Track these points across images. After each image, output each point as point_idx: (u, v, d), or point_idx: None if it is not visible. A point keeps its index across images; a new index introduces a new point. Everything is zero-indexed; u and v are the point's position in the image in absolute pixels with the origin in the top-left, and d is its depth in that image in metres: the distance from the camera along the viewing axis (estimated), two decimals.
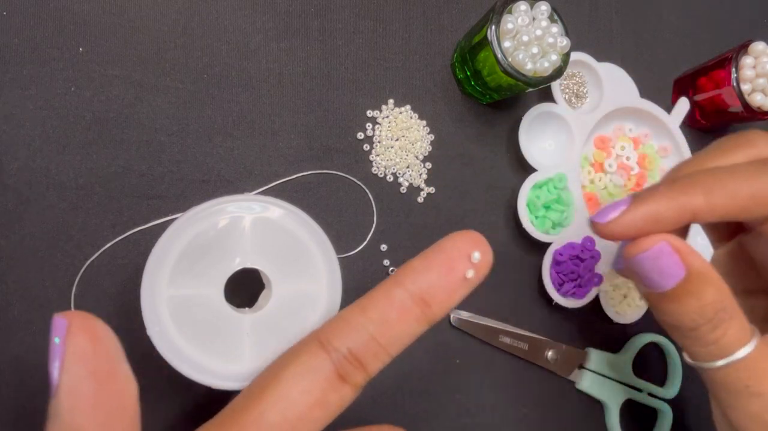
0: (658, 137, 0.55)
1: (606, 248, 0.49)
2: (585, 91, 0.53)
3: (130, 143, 0.41)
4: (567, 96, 0.52)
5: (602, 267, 0.49)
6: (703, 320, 0.30)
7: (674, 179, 0.31)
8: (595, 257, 0.49)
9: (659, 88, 0.56)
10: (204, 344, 0.33)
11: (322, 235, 0.35)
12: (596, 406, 0.51)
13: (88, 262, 0.39)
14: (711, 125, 0.56)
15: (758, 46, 0.50)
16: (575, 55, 0.50)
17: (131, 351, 0.39)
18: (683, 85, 0.55)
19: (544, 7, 0.43)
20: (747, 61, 0.50)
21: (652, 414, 0.52)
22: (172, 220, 0.37)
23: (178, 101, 0.42)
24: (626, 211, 0.30)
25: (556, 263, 0.48)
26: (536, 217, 0.48)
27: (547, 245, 0.48)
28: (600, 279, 0.49)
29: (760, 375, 0.30)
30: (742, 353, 0.30)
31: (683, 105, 0.54)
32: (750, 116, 0.51)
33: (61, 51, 0.40)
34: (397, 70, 0.47)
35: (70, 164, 0.40)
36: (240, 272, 0.35)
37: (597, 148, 0.53)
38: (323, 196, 0.44)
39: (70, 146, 0.40)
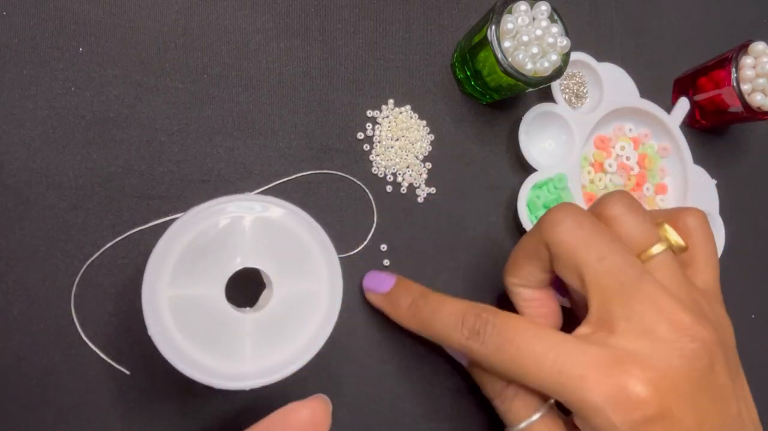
0: (658, 137, 0.54)
1: None
2: (585, 91, 0.52)
3: (130, 143, 0.41)
4: (567, 96, 0.51)
5: None
6: (493, 395, 0.38)
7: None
8: None
9: (659, 88, 0.56)
10: (205, 344, 0.33)
11: (323, 235, 0.35)
12: None
13: (88, 262, 0.39)
14: (711, 125, 0.56)
15: (758, 46, 0.50)
16: (575, 55, 0.50)
17: (131, 351, 0.39)
18: (683, 85, 0.55)
19: (544, 7, 0.43)
20: (747, 61, 0.50)
21: None
22: (172, 220, 0.37)
23: (178, 101, 0.42)
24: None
25: None
26: (536, 217, 0.48)
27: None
28: None
29: None
30: (524, 424, 0.37)
31: (683, 105, 0.54)
32: (750, 116, 0.51)
33: (61, 51, 0.40)
34: (397, 70, 0.47)
35: (70, 164, 0.40)
36: (241, 272, 0.35)
37: (597, 148, 0.52)
38: (323, 196, 0.44)
39: (70, 146, 0.40)
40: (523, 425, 0.37)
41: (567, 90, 0.52)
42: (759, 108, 0.50)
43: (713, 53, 0.54)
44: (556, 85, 0.50)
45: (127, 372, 0.39)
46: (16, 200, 0.38)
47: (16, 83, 0.39)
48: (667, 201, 0.55)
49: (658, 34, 0.57)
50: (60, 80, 0.40)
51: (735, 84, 0.50)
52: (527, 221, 0.47)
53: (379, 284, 0.42)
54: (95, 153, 0.40)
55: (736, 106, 0.51)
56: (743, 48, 0.50)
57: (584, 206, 0.49)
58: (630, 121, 0.54)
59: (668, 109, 0.54)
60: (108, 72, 0.41)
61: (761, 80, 0.49)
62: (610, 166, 0.52)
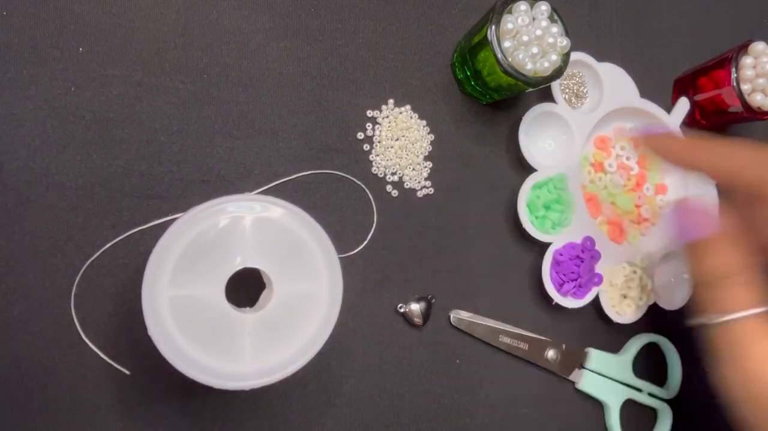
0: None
1: (607, 249, 0.49)
2: (585, 91, 0.52)
3: (130, 143, 0.41)
4: (567, 96, 0.51)
5: (602, 267, 0.49)
6: (712, 279, 0.37)
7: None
8: (595, 256, 0.48)
9: (659, 88, 0.56)
10: (205, 344, 0.33)
11: (323, 235, 0.36)
12: (596, 406, 0.51)
13: (89, 262, 0.39)
14: (711, 124, 0.56)
15: (758, 46, 0.50)
16: (575, 55, 0.50)
17: (131, 351, 0.39)
18: (683, 85, 0.55)
19: (544, 7, 0.43)
20: (747, 61, 0.50)
21: (652, 414, 0.52)
22: (172, 220, 0.37)
23: (178, 101, 0.42)
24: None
25: (556, 263, 0.48)
26: (536, 217, 0.48)
27: (547, 245, 0.48)
28: (600, 279, 0.49)
29: (747, 338, 0.36)
30: (742, 314, 0.35)
31: (683, 105, 0.54)
32: (750, 116, 0.51)
33: (61, 51, 0.40)
34: (397, 70, 0.47)
35: (70, 164, 0.40)
36: (241, 272, 0.35)
37: (597, 148, 0.52)
38: (323, 196, 0.44)
39: (70, 146, 0.40)
40: (740, 314, 0.36)
41: (567, 90, 0.52)
42: (759, 108, 0.50)
43: (713, 53, 0.54)
44: (556, 85, 0.50)
45: (127, 372, 0.39)
46: (16, 200, 0.38)
47: (16, 83, 0.39)
48: (668, 201, 0.54)
49: (658, 34, 0.57)
50: (60, 80, 0.40)
51: (735, 84, 0.49)
52: (527, 221, 0.47)
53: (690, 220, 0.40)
54: (95, 153, 0.40)
55: (736, 107, 0.51)
56: (743, 48, 0.50)
57: (584, 206, 0.50)
58: (630, 121, 0.54)
59: (668, 109, 0.54)
60: (108, 72, 0.41)
61: (761, 80, 0.49)
62: (610, 166, 0.52)
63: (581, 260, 0.48)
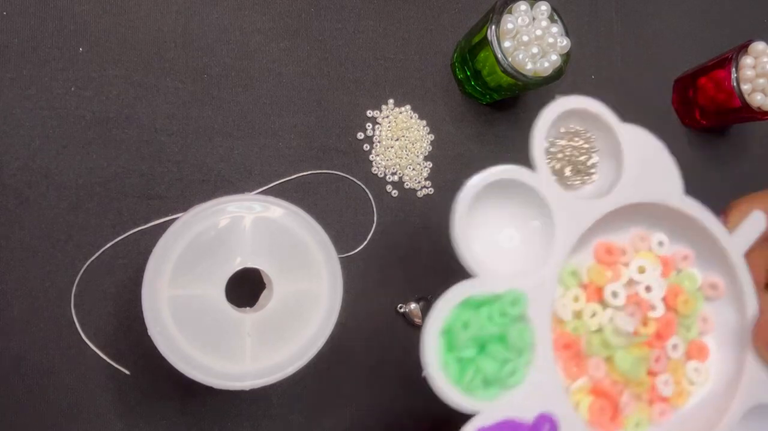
0: (706, 264, 0.35)
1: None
2: (592, 164, 0.34)
3: (130, 143, 0.41)
4: (558, 166, 0.33)
5: None
6: None
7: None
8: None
9: (659, 89, 0.56)
10: (205, 344, 0.33)
11: (323, 235, 0.36)
12: None
13: (88, 262, 0.39)
14: (711, 125, 0.56)
15: (758, 46, 0.50)
16: (583, 102, 0.32)
17: (131, 351, 0.39)
18: (683, 85, 0.55)
19: (544, 7, 0.43)
20: (747, 61, 0.50)
21: None
22: (172, 220, 0.37)
23: (178, 101, 0.42)
24: (729, 220, 0.33)
25: None
26: (457, 360, 0.29)
27: (464, 417, 0.29)
28: None
29: None
30: None
31: (757, 222, 0.34)
32: (750, 116, 0.51)
33: (61, 51, 0.40)
34: (397, 70, 0.47)
35: (70, 164, 0.40)
36: (241, 272, 0.35)
37: (598, 261, 0.34)
38: (323, 196, 0.44)
39: (70, 146, 0.40)
40: None
41: (561, 158, 0.33)
42: (759, 108, 0.50)
43: (713, 53, 0.54)
44: (538, 142, 0.31)
45: (127, 372, 0.39)
46: (16, 200, 0.38)
47: (16, 83, 0.39)
48: (703, 374, 0.34)
49: (658, 34, 0.57)
50: (60, 80, 0.40)
51: (735, 84, 0.50)
52: (435, 366, 0.29)
53: None
54: (95, 153, 0.40)
55: (736, 107, 0.51)
56: (743, 48, 0.50)
57: (552, 356, 0.30)
58: (661, 228, 0.35)
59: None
60: (108, 72, 0.41)
61: (761, 80, 0.49)
62: (614, 295, 0.33)
63: None
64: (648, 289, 0.33)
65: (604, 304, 0.33)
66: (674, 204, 0.33)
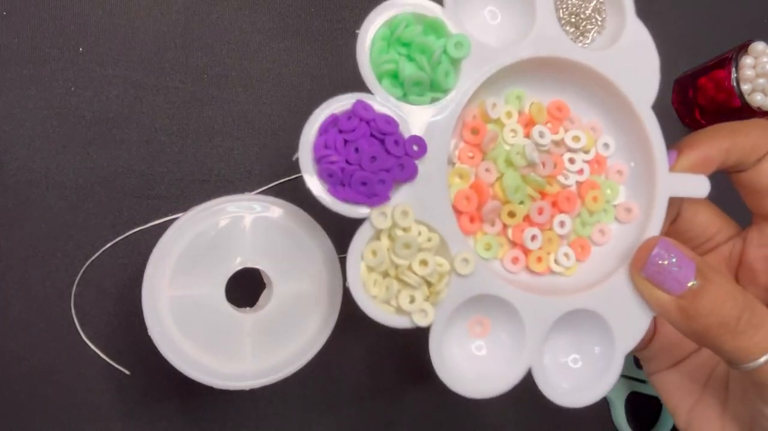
0: (633, 188, 0.34)
1: (427, 185, 0.29)
2: (590, 30, 0.34)
3: (130, 143, 0.41)
4: (564, 13, 0.34)
5: (402, 198, 0.29)
6: (727, 325, 0.28)
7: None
8: (408, 170, 0.29)
9: (659, 89, 0.56)
10: (205, 344, 0.33)
11: (323, 235, 0.35)
12: (601, 403, 0.51)
13: (88, 262, 0.39)
14: (711, 125, 0.56)
15: (758, 46, 0.50)
16: None
17: (132, 351, 0.39)
18: (683, 85, 0.55)
19: None
20: (747, 61, 0.50)
21: (657, 404, 0.52)
22: (172, 220, 0.37)
23: (178, 101, 0.42)
24: (677, 161, 0.32)
25: (347, 116, 0.29)
26: (386, 46, 0.30)
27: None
28: (382, 199, 0.29)
29: None
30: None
31: (699, 185, 0.32)
32: (750, 116, 0.51)
33: (61, 51, 0.40)
34: None
35: (70, 164, 0.40)
36: (241, 272, 0.35)
37: (548, 111, 0.33)
38: None
39: (70, 146, 0.40)
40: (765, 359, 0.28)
41: (568, 5, 0.34)
42: (759, 108, 0.50)
43: (713, 53, 0.54)
44: None
45: (127, 372, 0.39)
46: (16, 200, 0.38)
47: (16, 83, 0.39)
48: (570, 263, 0.33)
49: (658, 34, 0.57)
50: (60, 80, 0.40)
51: (735, 84, 0.50)
52: (364, 49, 0.30)
53: (675, 273, 0.29)
54: (95, 153, 0.40)
55: (736, 107, 0.51)
56: (743, 48, 0.50)
57: (455, 116, 0.30)
58: (615, 133, 0.34)
59: (670, 137, 0.34)
60: (108, 72, 0.41)
61: (761, 80, 0.49)
62: (541, 135, 0.32)
63: (383, 150, 0.28)
64: (571, 161, 0.33)
65: (528, 136, 0.33)
66: (638, 108, 0.32)
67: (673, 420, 0.48)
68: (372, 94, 0.29)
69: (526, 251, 0.33)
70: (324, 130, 0.28)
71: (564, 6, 0.34)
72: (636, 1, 0.56)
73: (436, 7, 0.30)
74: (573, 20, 0.34)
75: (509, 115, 0.32)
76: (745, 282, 0.34)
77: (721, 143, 0.32)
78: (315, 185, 0.29)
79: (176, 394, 0.40)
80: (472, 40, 0.30)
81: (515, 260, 0.32)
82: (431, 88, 0.30)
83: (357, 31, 0.29)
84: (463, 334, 0.31)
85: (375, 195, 0.28)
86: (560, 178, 0.33)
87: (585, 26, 0.34)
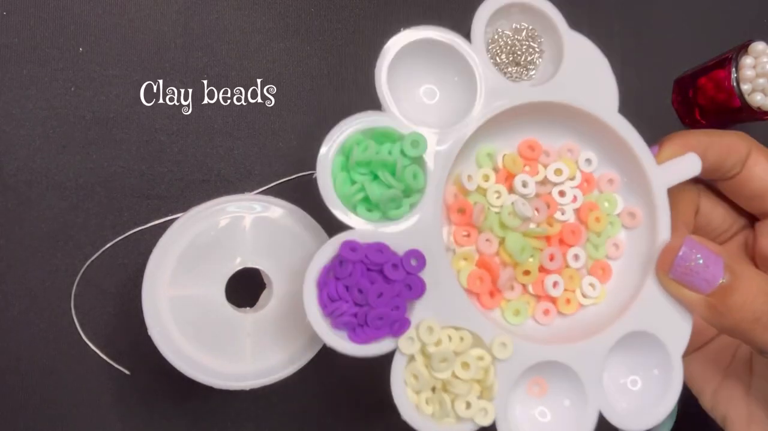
0: (630, 192, 0.33)
1: (449, 302, 0.29)
2: (532, 60, 0.33)
3: (130, 143, 0.41)
4: (499, 54, 0.33)
5: (421, 312, 0.29)
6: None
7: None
8: (416, 288, 0.28)
9: (659, 89, 0.56)
10: (205, 344, 0.33)
11: (323, 235, 0.35)
12: None
13: (89, 262, 0.39)
14: (711, 125, 0.56)
15: (758, 46, 0.50)
16: (540, 2, 0.32)
17: (131, 351, 0.39)
18: (683, 85, 0.55)
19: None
20: (747, 61, 0.50)
21: None
22: (172, 220, 0.37)
23: (178, 101, 0.42)
24: (660, 152, 0.32)
25: (339, 262, 0.28)
26: (348, 179, 0.30)
27: (341, 228, 0.29)
28: (404, 326, 0.28)
29: None
30: None
31: (691, 164, 0.32)
32: (750, 116, 0.51)
33: (61, 51, 0.40)
34: None
35: (70, 164, 0.40)
36: (241, 272, 0.35)
37: (520, 153, 0.33)
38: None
39: (70, 146, 0.40)
40: None
41: (502, 46, 0.33)
42: (759, 108, 0.50)
43: (713, 53, 0.54)
44: (479, 23, 0.31)
45: (127, 372, 0.39)
46: (16, 200, 0.38)
47: (16, 83, 0.39)
48: (598, 291, 0.33)
49: (658, 34, 0.57)
50: (60, 80, 0.40)
51: (735, 84, 0.49)
52: (326, 179, 0.29)
53: (703, 272, 0.29)
54: (95, 153, 0.40)
55: (736, 107, 0.51)
56: (743, 48, 0.50)
57: (440, 209, 0.30)
58: (592, 146, 0.33)
59: (651, 139, 0.33)
60: (108, 72, 0.41)
61: (761, 80, 0.49)
62: (524, 185, 0.32)
63: (385, 279, 0.28)
64: (561, 194, 0.33)
65: (512, 190, 0.32)
66: (605, 119, 0.31)
67: (671, 420, 0.48)
68: (353, 228, 0.29)
69: (553, 300, 0.32)
70: (323, 284, 0.28)
71: (499, 50, 0.33)
72: (636, 2, 0.56)
73: (376, 115, 0.30)
74: (512, 59, 0.33)
75: (486, 178, 0.32)
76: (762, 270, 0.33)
77: (698, 137, 0.32)
78: (335, 340, 0.28)
79: (176, 394, 0.40)
80: (427, 132, 0.30)
81: (546, 312, 0.32)
82: (405, 196, 0.29)
83: (313, 176, 0.29)
84: (523, 399, 0.31)
85: (395, 322, 0.28)
86: (557, 215, 0.33)
87: (525, 59, 0.33)
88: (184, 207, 0.41)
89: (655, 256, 0.31)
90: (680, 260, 0.29)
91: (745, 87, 0.50)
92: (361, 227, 0.29)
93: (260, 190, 0.43)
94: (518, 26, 0.33)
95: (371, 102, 0.46)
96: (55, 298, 0.39)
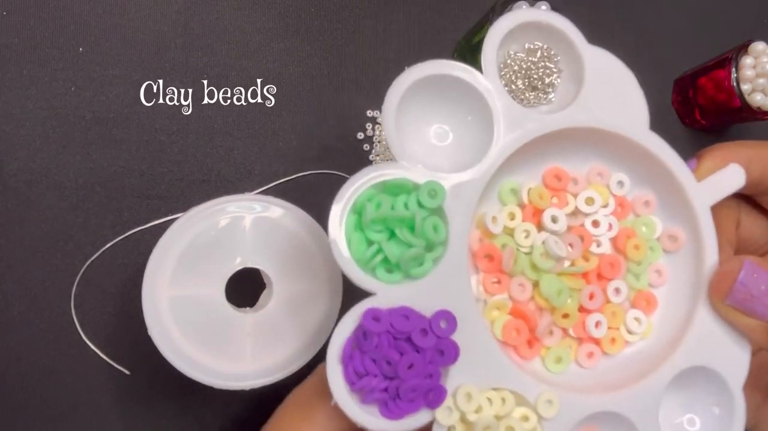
0: (669, 213, 0.31)
1: (485, 360, 0.27)
2: (552, 82, 0.31)
3: (130, 143, 0.41)
4: (514, 80, 0.31)
5: (457, 377, 0.27)
6: None
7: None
8: (449, 353, 0.26)
9: (659, 89, 0.56)
10: (205, 344, 0.33)
11: (323, 235, 0.36)
12: None
13: (89, 262, 0.39)
14: (711, 125, 0.56)
15: (758, 46, 0.50)
16: (546, 16, 0.30)
17: (131, 351, 0.39)
18: (683, 85, 0.55)
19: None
20: (747, 61, 0.50)
21: None
22: (173, 220, 0.37)
23: (178, 101, 0.42)
24: (699, 167, 0.29)
25: (362, 333, 0.26)
26: (362, 235, 0.27)
27: (361, 295, 0.27)
28: (440, 396, 0.26)
29: None
30: None
31: (734, 176, 0.30)
32: (750, 116, 0.51)
33: (61, 51, 0.40)
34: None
35: (70, 164, 0.40)
36: (241, 272, 0.35)
37: (547, 185, 0.30)
38: (323, 196, 0.44)
39: (70, 146, 0.40)
40: None
41: (515, 70, 0.31)
42: (759, 108, 0.50)
43: (713, 53, 0.54)
44: (491, 51, 0.29)
45: (127, 372, 0.39)
46: (16, 200, 0.38)
47: (16, 83, 0.39)
48: (644, 325, 0.31)
49: (658, 34, 0.57)
50: (60, 80, 0.40)
51: (735, 84, 0.49)
52: (339, 237, 0.27)
53: (764, 298, 0.26)
54: (95, 153, 0.40)
55: (736, 107, 0.51)
56: (743, 48, 0.50)
57: (467, 260, 0.27)
58: (624, 169, 0.31)
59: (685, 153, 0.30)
60: (108, 72, 0.41)
61: (761, 80, 0.49)
62: (554, 221, 0.29)
63: (414, 348, 0.26)
64: (595, 224, 0.30)
65: (541, 228, 0.29)
66: (636, 138, 0.29)
67: None
68: (374, 293, 0.26)
69: (597, 341, 0.30)
70: (347, 359, 0.25)
71: (513, 76, 0.31)
72: (636, 2, 0.56)
73: (388, 167, 0.27)
74: (528, 83, 0.31)
75: (512, 217, 0.29)
76: None
77: (741, 150, 0.30)
78: (366, 419, 0.25)
79: (176, 394, 0.40)
80: (444, 178, 0.27)
81: (591, 355, 0.30)
82: (427, 251, 0.27)
83: (329, 240, 0.27)
84: None
85: (429, 392, 0.26)
86: (593, 248, 0.30)
87: (543, 81, 0.31)
88: (184, 207, 0.41)
89: (704, 281, 0.29)
90: (740, 285, 0.27)
91: (745, 87, 0.50)
92: (382, 291, 0.26)
93: (260, 190, 0.43)
94: (531, 46, 0.30)
95: (371, 102, 0.46)
96: (55, 298, 0.39)
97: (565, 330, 0.30)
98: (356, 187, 0.27)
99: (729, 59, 0.51)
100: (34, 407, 0.38)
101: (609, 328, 0.30)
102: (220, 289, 0.34)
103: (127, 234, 0.40)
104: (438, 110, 0.29)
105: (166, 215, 0.41)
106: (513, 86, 0.31)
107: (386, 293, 0.26)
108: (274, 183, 0.43)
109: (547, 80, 0.31)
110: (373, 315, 0.25)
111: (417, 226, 0.26)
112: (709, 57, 0.54)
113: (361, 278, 0.26)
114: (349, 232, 0.27)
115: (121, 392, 0.39)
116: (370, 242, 0.27)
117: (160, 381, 0.39)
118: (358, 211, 0.27)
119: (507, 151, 0.28)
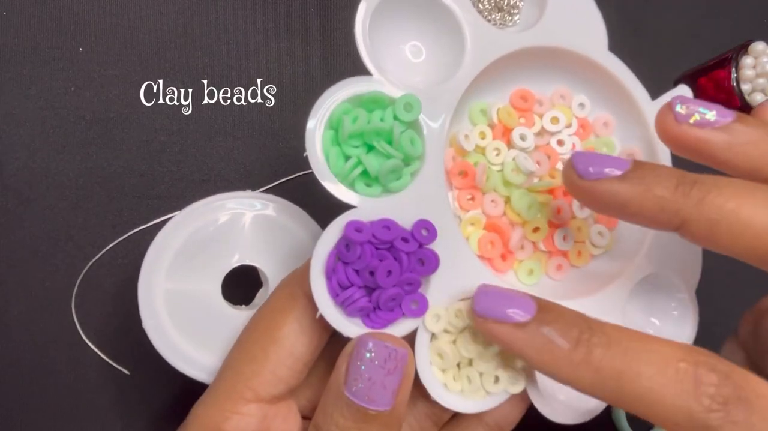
0: (626, 133, 0.33)
1: (462, 271, 0.28)
2: (514, 4, 0.33)
3: (130, 143, 0.41)
4: (485, 2, 0.33)
5: (436, 295, 0.27)
6: None
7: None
8: (430, 262, 0.27)
9: (659, 88, 0.56)
10: (199, 339, 0.33)
11: None
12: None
13: (90, 263, 0.39)
14: None
15: (758, 46, 0.50)
16: None
17: (131, 351, 0.39)
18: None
19: None
20: (747, 61, 0.50)
21: None
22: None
23: (178, 101, 0.42)
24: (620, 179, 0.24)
25: (345, 245, 0.26)
26: (339, 148, 0.27)
27: (342, 207, 0.27)
28: (422, 307, 0.27)
29: None
30: None
31: (683, 93, 0.33)
32: None
33: (61, 51, 0.40)
34: None
35: (70, 164, 0.40)
36: (238, 269, 0.35)
37: (514, 105, 0.32)
38: (323, 196, 0.44)
39: (70, 146, 0.40)
40: None
41: None
42: None
43: (713, 53, 0.54)
44: None
45: (127, 372, 0.39)
46: (16, 200, 0.38)
47: (16, 83, 0.39)
48: (606, 238, 0.32)
49: (658, 34, 0.57)
50: (60, 80, 0.40)
51: (735, 84, 0.49)
52: (317, 151, 0.27)
53: (505, 306, 0.24)
54: (95, 153, 0.40)
55: (736, 107, 0.51)
56: (743, 48, 0.50)
57: (442, 175, 0.28)
58: (585, 91, 0.33)
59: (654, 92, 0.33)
60: (108, 72, 0.41)
61: (761, 80, 0.49)
62: (522, 138, 0.31)
63: (395, 258, 0.26)
64: (560, 143, 0.32)
65: (511, 145, 0.31)
66: (595, 57, 0.31)
67: None
68: (354, 207, 0.27)
69: (565, 253, 0.32)
70: (331, 271, 0.26)
71: None
72: (636, 2, 0.56)
73: (363, 81, 0.28)
74: (494, 4, 0.33)
75: (483, 135, 0.31)
76: None
77: None
78: (352, 330, 0.26)
79: (176, 394, 0.40)
80: (418, 93, 0.28)
81: (560, 267, 0.32)
82: (405, 165, 0.28)
83: (304, 154, 0.27)
84: None
85: (411, 300, 0.26)
86: (558, 166, 0.32)
87: (508, 3, 0.33)
88: (184, 207, 0.41)
89: None
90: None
91: (745, 87, 0.50)
92: (362, 204, 0.27)
93: (260, 190, 0.43)
94: None
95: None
96: (55, 298, 0.39)
97: (535, 244, 0.31)
98: (332, 101, 0.27)
99: (729, 59, 0.51)
100: (34, 407, 0.38)
101: (575, 242, 0.32)
102: (216, 285, 0.34)
103: (127, 235, 0.40)
104: (410, 26, 0.30)
105: (166, 215, 0.41)
106: (480, 6, 0.32)
107: (366, 207, 0.27)
108: (274, 183, 0.43)
109: (512, 2, 0.33)
110: (356, 227, 0.26)
111: (395, 139, 0.27)
112: (709, 57, 0.54)
113: (340, 190, 0.27)
114: (326, 147, 0.27)
115: (120, 392, 0.39)
116: (347, 157, 0.27)
117: (160, 381, 0.39)
118: (334, 127, 0.27)
119: (478, 67, 0.29)
